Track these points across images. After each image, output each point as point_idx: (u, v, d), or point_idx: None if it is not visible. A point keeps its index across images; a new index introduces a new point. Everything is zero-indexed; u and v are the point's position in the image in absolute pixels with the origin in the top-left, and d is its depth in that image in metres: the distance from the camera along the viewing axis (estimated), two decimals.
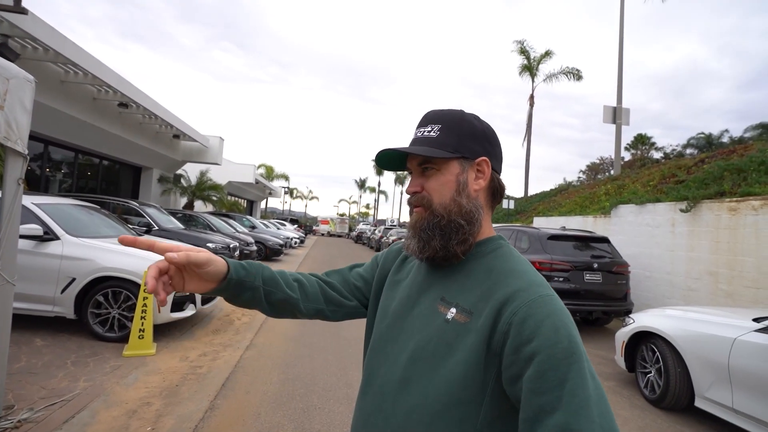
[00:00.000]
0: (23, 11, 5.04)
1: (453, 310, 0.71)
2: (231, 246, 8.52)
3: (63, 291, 4.06)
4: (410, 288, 0.81)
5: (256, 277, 0.80)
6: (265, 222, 19.58)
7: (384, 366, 0.76)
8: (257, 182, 24.02)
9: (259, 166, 42.50)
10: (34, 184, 9.71)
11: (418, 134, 0.79)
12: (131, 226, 6.41)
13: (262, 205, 37.03)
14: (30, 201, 4.24)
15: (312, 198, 72.55)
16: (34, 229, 3.98)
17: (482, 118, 0.81)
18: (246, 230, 13.52)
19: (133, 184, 14.41)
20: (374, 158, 0.81)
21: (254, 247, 10.82)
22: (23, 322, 4.17)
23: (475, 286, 0.72)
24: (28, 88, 2.48)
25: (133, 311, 4.03)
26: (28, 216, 4.05)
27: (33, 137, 8.56)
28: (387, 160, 0.82)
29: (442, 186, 0.76)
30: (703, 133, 26.08)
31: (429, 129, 0.77)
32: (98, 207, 5.71)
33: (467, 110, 0.81)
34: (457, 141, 0.76)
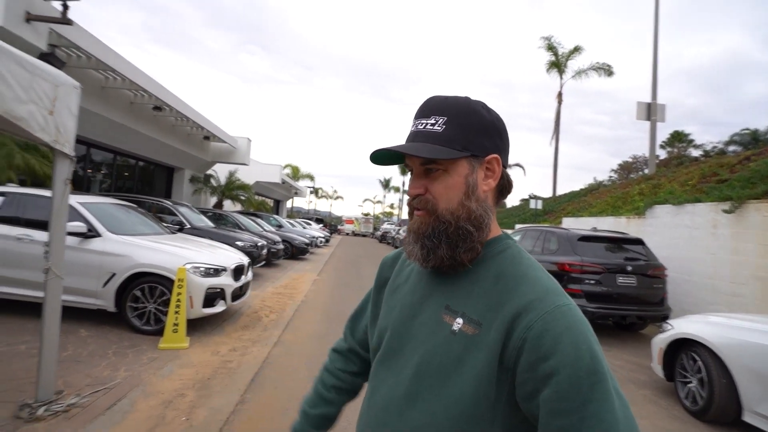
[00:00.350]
0: (69, 22, 5.32)
1: (459, 320, 0.66)
2: (259, 244, 8.72)
3: (104, 285, 4.27)
4: (411, 294, 0.76)
5: None
6: (291, 221, 19.93)
7: (388, 379, 0.72)
8: (283, 182, 24.48)
9: (285, 167, 43.26)
10: (77, 184, 10.27)
11: (420, 127, 0.70)
12: (165, 225, 6.66)
13: (288, 204, 37.71)
14: (75, 200, 4.48)
15: (337, 198, 73.37)
16: (79, 226, 4.21)
17: (490, 106, 0.73)
18: (273, 229, 13.79)
19: (167, 184, 15.00)
20: (370, 156, 0.74)
21: (281, 246, 11.01)
22: (69, 314, 4.39)
23: (482, 293, 0.67)
24: (74, 94, 2.62)
25: (168, 306, 4.19)
26: (73, 214, 4.28)
27: (76, 140, 9.03)
28: (384, 155, 0.74)
29: (449, 189, 0.69)
30: (747, 129, 24.51)
31: (432, 121, 0.69)
32: (135, 206, 5.97)
33: (473, 98, 0.73)
34: (464, 136, 0.68)
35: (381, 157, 0.75)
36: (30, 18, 4.98)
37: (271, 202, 29.79)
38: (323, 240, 20.42)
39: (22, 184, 5.54)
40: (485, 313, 0.64)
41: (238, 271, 5.10)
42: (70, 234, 3.97)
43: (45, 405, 2.53)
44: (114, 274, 4.28)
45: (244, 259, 5.52)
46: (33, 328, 3.85)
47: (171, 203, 8.85)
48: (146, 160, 13.15)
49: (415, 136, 0.71)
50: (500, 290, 0.65)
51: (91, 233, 4.36)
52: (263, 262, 9.33)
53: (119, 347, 3.86)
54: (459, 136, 0.68)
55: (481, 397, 0.61)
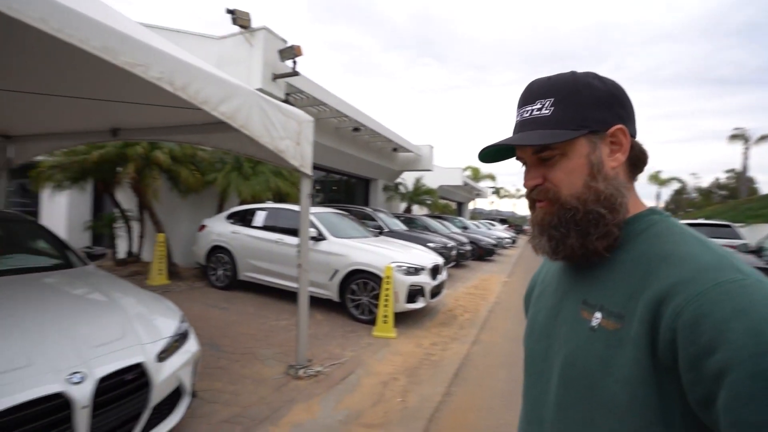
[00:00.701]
0: (297, 74, 6.89)
1: (598, 314, 0.59)
2: (448, 245, 9.08)
3: (330, 279, 5.24)
4: (553, 295, 0.72)
5: None
6: (475, 222, 19.99)
7: (537, 387, 0.69)
8: (465, 184, 24.79)
9: (466, 169, 43.63)
10: None
11: (525, 115, 0.65)
12: (369, 229, 7.69)
13: (470, 206, 37.96)
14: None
15: (520, 196, 69.52)
16: (313, 231, 5.30)
17: (602, 74, 0.65)
18: (459, 231, 14.11)
19: (364, 194, 17.32)
20: (478, 155, 0.71)
21: (468, 247, 11.16)
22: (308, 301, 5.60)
23: (621, 280, 0.58)
24: (310, 127, 3.34)
25: (378, 299, 4.80)
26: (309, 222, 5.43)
27: None
28: (492, 152, 0.70)
29: (570, 173, 0.62)
30: None
31: (538, 106, 0.64)
32: (347, 213, 7.12)
33: (580, 70, 0.66)
34: (578, 113, 0.62)
35: (490, 154, 0.71)
36: (275, 77, 6.63)
37: (453, 205, 30.63)
38: (509, 241, 19.67)
39: (273, 200, 7.40)
40: (626, 304, 0.56)
41: (434, 271, 5.44)
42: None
43: (303, 368, 3.29)
44: (337, 271, 5.21)
45: (439, 260, 5.84)
46: (288, 309, 5.06)
47: (371, 210, 10.17)
48: (348, 174, 15.53)
49: (522, 126, 0.66)
50: (640, 274, 0.56)
51: (320, 237, 5.43)
52: (453, 263, 9.65)
53: (344, 331, 4.66)
54: (571, 114, 0.62)
55: (639, 405, 0.51)
